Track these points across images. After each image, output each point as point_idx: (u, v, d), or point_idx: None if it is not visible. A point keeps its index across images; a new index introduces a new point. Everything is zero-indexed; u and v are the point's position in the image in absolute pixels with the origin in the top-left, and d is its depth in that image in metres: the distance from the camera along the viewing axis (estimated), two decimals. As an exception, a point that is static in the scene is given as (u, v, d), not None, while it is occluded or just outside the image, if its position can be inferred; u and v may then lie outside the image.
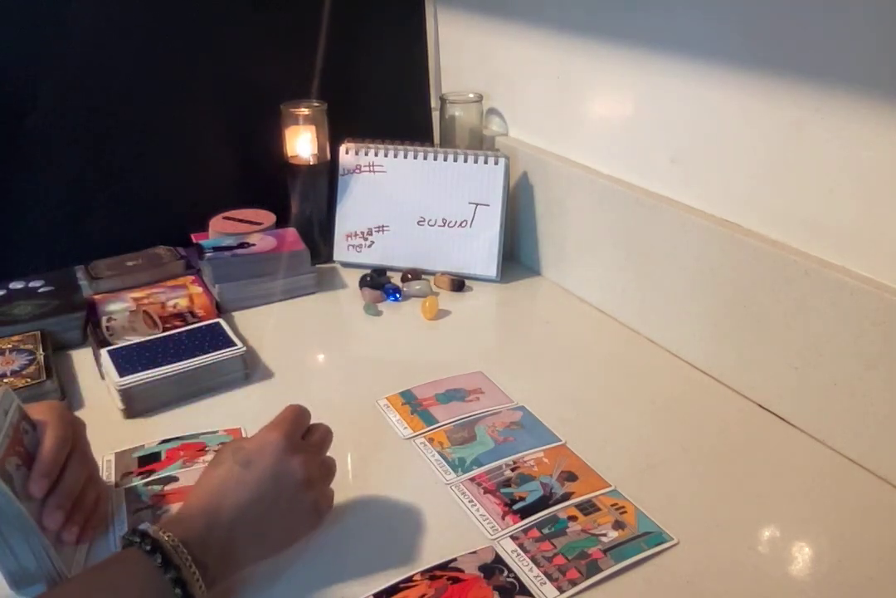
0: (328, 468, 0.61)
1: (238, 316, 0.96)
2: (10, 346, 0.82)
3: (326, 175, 1.07)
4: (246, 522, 0.53)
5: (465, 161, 1.02)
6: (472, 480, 0.66)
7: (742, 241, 0.74)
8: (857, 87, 0.62)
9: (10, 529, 0.51)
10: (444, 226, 1.04)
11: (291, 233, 1.02)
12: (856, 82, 0.62)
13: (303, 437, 0.60)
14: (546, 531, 0.60)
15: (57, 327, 0.87)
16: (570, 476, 0.66)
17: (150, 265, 1.00)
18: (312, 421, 0.63)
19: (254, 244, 0.98)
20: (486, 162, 1.01)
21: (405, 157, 1.05)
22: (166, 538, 0.49)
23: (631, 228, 0.87)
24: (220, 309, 0.95)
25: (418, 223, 1.05)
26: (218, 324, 0.86)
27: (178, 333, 0.84)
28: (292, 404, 0.62)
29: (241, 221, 1.06)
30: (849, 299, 0.65)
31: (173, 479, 0.67)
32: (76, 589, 0.48)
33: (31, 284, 0.94)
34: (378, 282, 1.02)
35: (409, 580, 0.56)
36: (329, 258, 1.09)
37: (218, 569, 0.51)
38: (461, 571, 0.57)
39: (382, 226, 1.06)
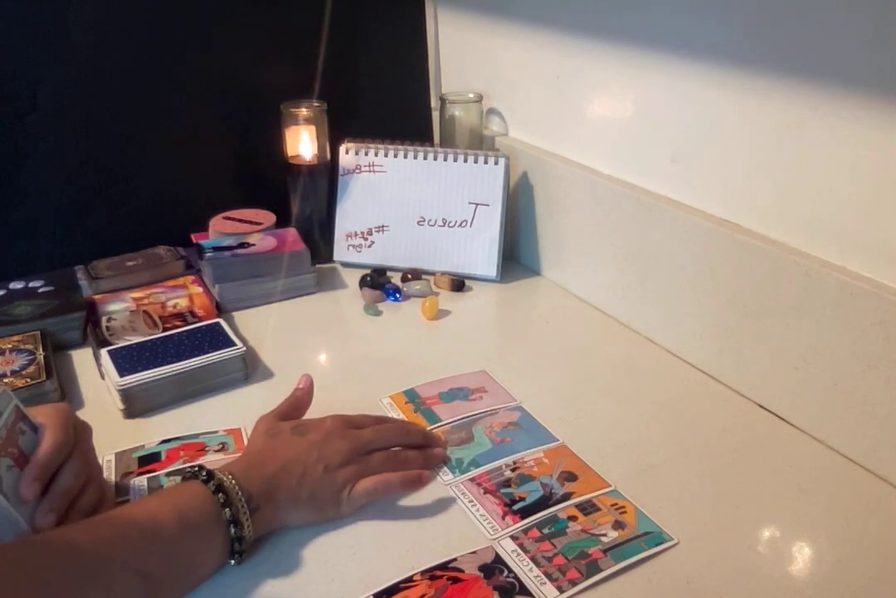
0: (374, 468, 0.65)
1: (238, 316, 0.96)
2: (10, 346, 0.82)
3: (326, 175, 1.07)
4: (286, 475, 0.60)
5: (465, 161, 1.02)
6: (472, 480, 0.66)
7: (742, 241, 0.74)
8: (857, 87, 0.62)
9: (1, 530, 0.51)
10: (444, 226, 1.04)
11: (291, 233, 1.02)
12: (856, 82, 0.62)
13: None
14: (546, 531, 0.60)
15: (57, 327, 0.87)
16: (570, 476, 0.66)
17: (150, 265, 1.00)
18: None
19: (254, 244, 0.98)
20: (486, 162, 1.01)
21: (405, 157, 1.05)
22: (218, 471, 0.58)
23: (631, 228, 0.87)
24: (220, 309, 0.95)
25: (418, 223, 1.05)
26: (218, 324, 0.86)
27: (178, 333, 0.84)
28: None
29: (241, 221, 1.06)
30: (849, 299, 0.65)
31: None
32: (141, 506, 0.56)
33: (31, 284, 0.94)
34: (378, 282, 1.02)
35: (409, 580, 0.56)
36: (329, 258, 1.09)
37: (260, 502, 0.58)
38: (461, 571, 0.57)
39: (382, 226, 1.06)
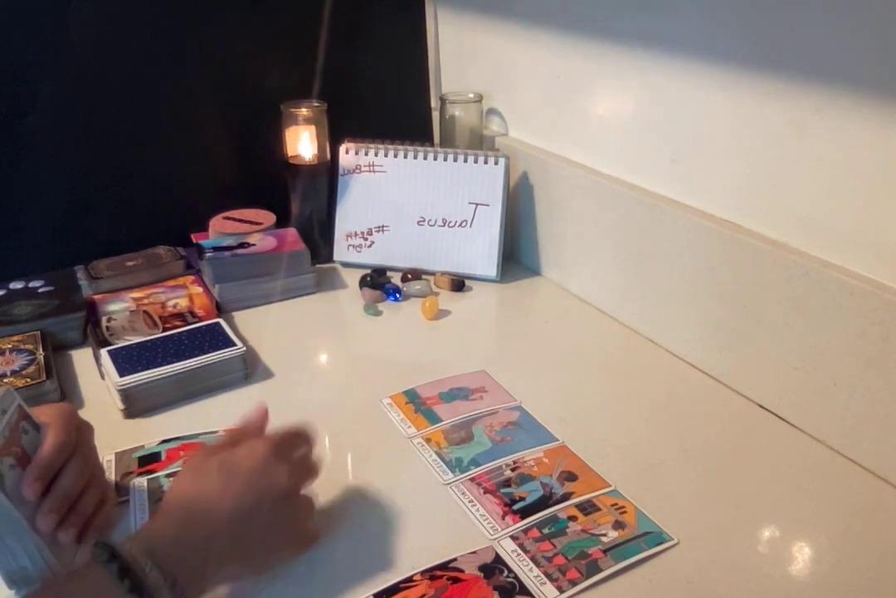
0: (307, 501, 0.59)
1: (238, 316, 0.96)
2: (10, 346, 0.82)
3: (326, 175, 1.07)
4: (224, 531, 0.52)
5: (465, 161, 1.02)
6: (472, 480, 0.66)
7: (742, 241, 0.74)
8: (857, 87, 0.62)
9: (3, 529, 0.51)
10: (444, 226, 1.04)
11: (291, 233, 1.02)
12: (856, 82, 0.62)
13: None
14: (546, 531, 0.60)
15: (57, 327, 0.87)
16: (570, 476, 0.66)
17: (150, 265, 1.00)
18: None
19: (254, 244, 0.98)
20: (486, 162, 1.01)
21: (405, 157, 1.05)
22: (128, 547, 0.48)
23: (631, 228, 0.87)
24: (220, 309, 0.95)
25: (418, 223, 1.05)
26: (218, 324, 0.86)
27: (178, 333, 0.84)
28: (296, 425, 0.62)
29: (241, 221, 1.06)
30: (849, 299, 0.65)
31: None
32: None
33: (31, 284, 0.94)
34: (378, 282, 1.02)
35: (409, 580, 0.56)
36: (329, 258, 1.09)
37: (192, 579, 0.49)
38: (461, 571, 0.57)
39: (382, 226, 1.06)
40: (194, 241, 1.04)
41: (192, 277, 1.00)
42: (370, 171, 1.06)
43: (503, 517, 0.62)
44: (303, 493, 0.59)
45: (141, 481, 0.66)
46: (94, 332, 0.87)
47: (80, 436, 0.59)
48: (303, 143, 1.04)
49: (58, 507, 0.54)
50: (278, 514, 0.55)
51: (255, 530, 0.53)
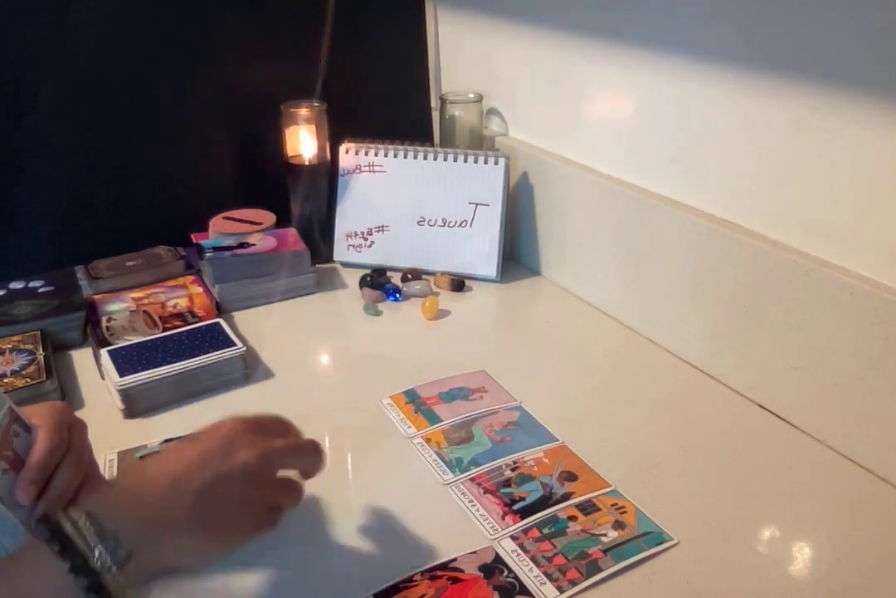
0: (285, 485, 0.55)
1: (238, 316, 0.96)
2: (10, 346, 0.82)
3: (326, 175, 1.07)
4: (176, 494, 0.48)
5: (465, 161, 1.02)
6: (472, 480, 0.66)
7: (742, 241, 0.74)
8: (857, 87, 0.62)
9: None
10: (444, 226, 1.04)
11: (291, 233, 1.02)
12: (856, 82, 0.62)
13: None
14: (546, 531, 0.60)
15: (57, 327, 0.87)
16: (570, 476, 0.66)
17: (150, 265, 1.00)
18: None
19: (254, 244, 0.98)
20: (486, 162, 1.01)
21: (405, 157, 1.05)
22: (62, 514, 0.46)
23: (631, 228, 0.87)
24: (220, 309, 0.95)
25: (418, 223, 1.05)
26: (218, 324, 0.86)
27: (178, 333, 0.84)
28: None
29: (241, 221, 1.06)
30: (849, 299, 0.65)
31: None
32: None
33: (31, 284, 0.94)
34: (378, 282, 1.02)
35: (409, 580, 0.56)
36: (329, 258, 1.09)
37: (135, 538, 0.46)
38: (461, 571, 0.57)
39: (382, 226, 1.06)
40: (194, 241, 1.04)
41: (192, 277, 1.00)
42: (370, 171, 1.06)
43: (503, 517, 0.62)
44: (287, 477, 0.54)
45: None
46: (94, 332, 0.87)
47: (72, 434, 0.58)
48: (303, 143, 1.04)
49: (53, 509, 0.53)
50: (247, 491, 0.51)
51: (219, 502, 0.49)
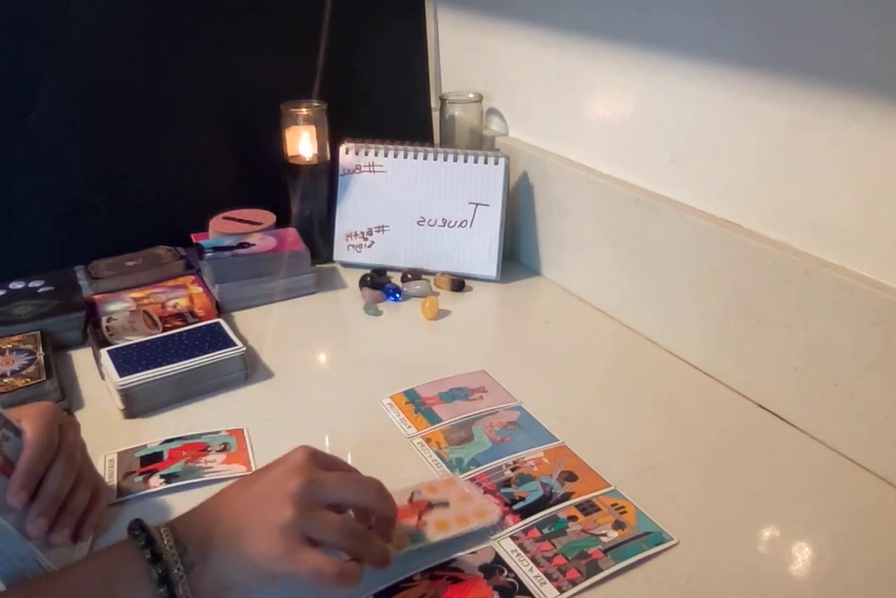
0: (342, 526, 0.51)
1: (238, 316, 0.96)
2: (10, 346, 0.82)
3: (326, 175, 1.07)
4: (226, 514, 0.50)
5: (465, 161, 1.02)
6: (472, 480, 0.66)
7: (742, 241, 0.74)
8: (857, 87, 0.62)
9: None
10: (444, 226, 1.04)
11: (291, 233, 1.02)
12: (856, 82, 0.62)
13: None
14: (546, 531, 0.60)
15: (57, 327, 0.87)
16: (570, 476, 0.66)
17: (150, 265, 1.00)
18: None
19: (254, 244, 0.98)
20: (486, 162, 1.01)
21: (405, 157, 1.05)
22: (154, 526, 0.49)
23: (631, 228, 0.87)
24: (220, 309, 0.95)
25: (418, 223, 1.05)
26: (218, 324, 0.86)
27: (178, 333, 0.84)
28: None
29: (241, 221, 1.06)
30: (849, 299, 0.65)
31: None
32: (64, 577, 0.49)
33: (31, 284, 0.94)
34: (378, 282, 1.02)
35: (409, 580, 0.56)
36: (329, 258, 1.09)
37: (196, 556, 0.48)
38: (461, 571, 0.57)
39: (382, 226, 1.06)
40: (194, 241, 1.04)
41: (192, 277, 1.00)
42: (370, 171, 1.06)
43: (503, 517, 0.62)
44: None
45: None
46: (94, 332, 0.87)
47: (63, 434, 0.58)
48: (303, 143, 1.04)
49: (46, 511, 0.53)
50: (273, 518, 0.49)
51: (252, 523, 0.49)
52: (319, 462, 0.54)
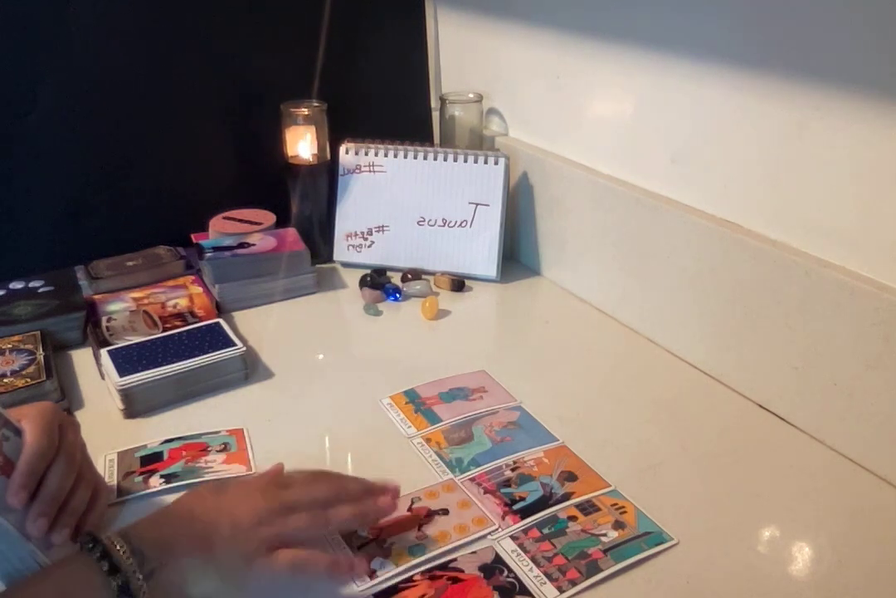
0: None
1: (238, 316, 0.96)
2: (10, 346, 0.82)
3: (326, 175, 1.07)
4: (188, 531, 0.52)
5: (465, 161, 1.02)
6: (472, 480, 0.66)
7: (742, 241, 0.74)
8: (857, 87, 0.62)
9: None
10: (444, 226, 1.04)
11: (291, 233, 1.02)
12: (856, 82, 0.62)
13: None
14: (546, 531, 0.60)
15: (57, 327, 0.87)
16: (570, 476, 0.66)
17: (150, 265, 1.00)
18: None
19: (254, 244, 0.98)
20: (486, 162, 1.01)
21: (405, 157, 1.05)
22: (106, 536, 0.50)
23: (631, 228, 0.87)
24: (220, 309, 0.95)
25: (418, 223, 1.05)
26: (218, 324, 0.86)
27: (178, 333, 0.84)
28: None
29: (241, 221, 1.06)
30: (849, 299, 0.65)
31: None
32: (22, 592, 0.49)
33: (31, 284, 0.94)
34: (378, 282, 1.02)
35: (409, 580, 0.56)
36: (329, 258, 1.09)
37: (155, 564, 0.49)
38: (461, 571, 0.57)
39: (382, 226, 1.06)
40: (194, 241, 1.04)
41: (192, 277, 1.00)
42: (370, 171, 1.06)
43: (503, 517, 0.62)
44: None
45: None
46: (94, 332, 0.87)
47: (63, 434, 0.58)
48: (303, 143, 1.04)
49: (46, 511, 0.53)
50: (238, 540, 0.52)
51: (219, 542, 0.52)
52: (279, 482, 0.57)
